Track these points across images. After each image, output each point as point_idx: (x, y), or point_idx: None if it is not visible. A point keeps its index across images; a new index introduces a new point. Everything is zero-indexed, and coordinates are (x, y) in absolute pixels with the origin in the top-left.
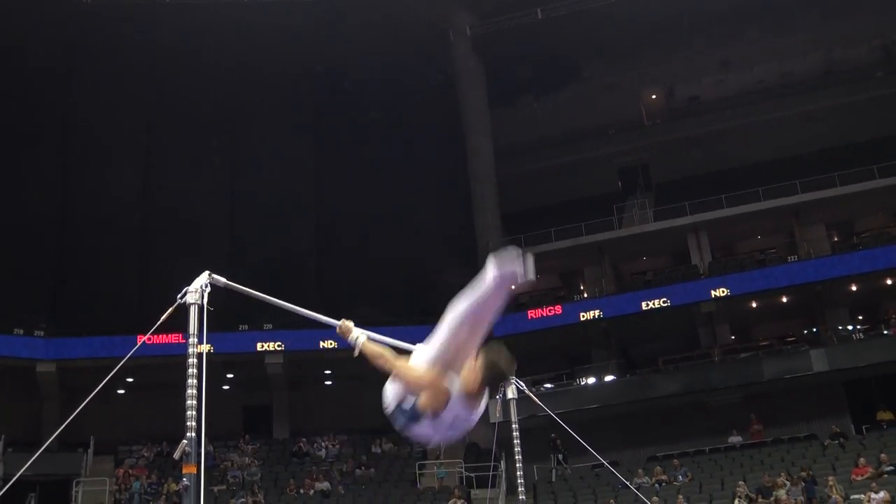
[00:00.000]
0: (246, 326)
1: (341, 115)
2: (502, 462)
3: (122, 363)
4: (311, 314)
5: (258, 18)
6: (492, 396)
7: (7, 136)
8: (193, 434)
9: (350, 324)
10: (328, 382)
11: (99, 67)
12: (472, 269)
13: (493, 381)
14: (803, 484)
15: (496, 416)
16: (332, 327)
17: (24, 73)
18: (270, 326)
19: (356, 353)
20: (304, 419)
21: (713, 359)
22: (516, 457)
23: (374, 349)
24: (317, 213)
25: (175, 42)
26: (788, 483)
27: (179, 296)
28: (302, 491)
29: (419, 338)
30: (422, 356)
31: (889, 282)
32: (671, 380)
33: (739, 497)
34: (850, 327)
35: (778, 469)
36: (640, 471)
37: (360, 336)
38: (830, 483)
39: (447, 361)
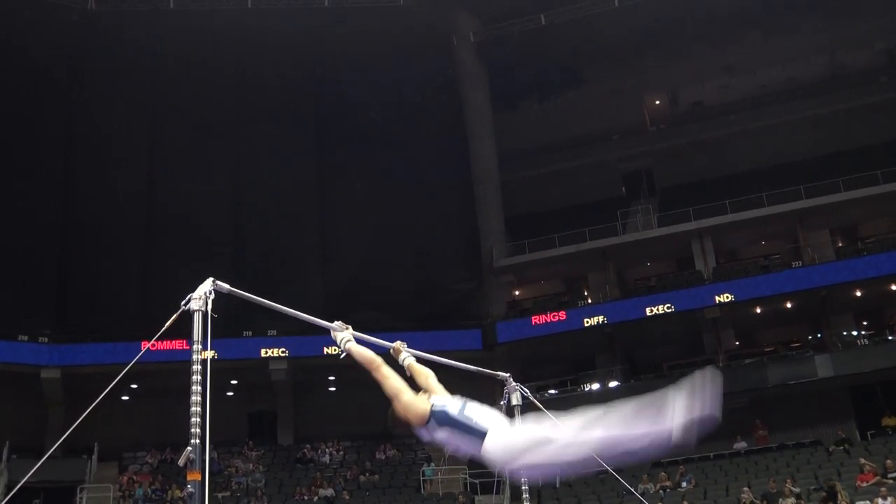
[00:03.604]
0: (250, 333)
1: (344, 119)
2: None
3: (126, 369)
4: (312, 319)
5: (261, 24)
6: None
7: (11, 141)
8: (198, 440)
9: (343, 329)
10: (332, 388)
11: (102, 72)
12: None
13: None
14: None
15: None
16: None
17: (28, 79)
18: (274, 333)
19: (342, 355)
20: (309, 425)
21: (718, 364)
22: None
23: (366, 355)
24: (320, 216)
25: (178, 47)
26: (794, 498)
27: (183, 303)
28: (306, 497)
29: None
30: (499, 433)
31: (894, 287)
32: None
33: (744, 503)
34: (854, 333)
35: (783, 475)
36: (644, 477)
37: (347, 339)
38: (836, 489)
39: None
